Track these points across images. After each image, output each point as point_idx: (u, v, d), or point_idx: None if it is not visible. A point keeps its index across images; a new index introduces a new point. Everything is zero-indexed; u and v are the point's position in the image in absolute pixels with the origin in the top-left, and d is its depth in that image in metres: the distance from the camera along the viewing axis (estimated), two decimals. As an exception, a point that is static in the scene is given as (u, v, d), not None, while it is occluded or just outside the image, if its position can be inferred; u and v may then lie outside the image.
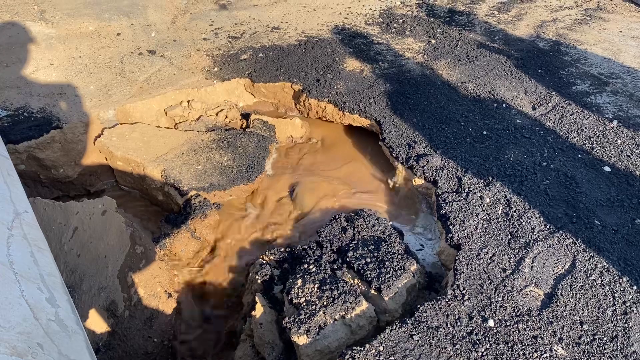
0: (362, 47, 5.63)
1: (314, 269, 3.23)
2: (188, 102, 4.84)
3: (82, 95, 4.65)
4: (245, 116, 4.93)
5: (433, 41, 5.79)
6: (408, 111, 4.54)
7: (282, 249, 3.59)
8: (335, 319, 2.85)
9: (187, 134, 4.54)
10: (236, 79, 5.08)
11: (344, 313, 2.88)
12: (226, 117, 4.88)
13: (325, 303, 2.93)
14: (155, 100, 4.70)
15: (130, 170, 4.25)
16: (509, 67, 5.21)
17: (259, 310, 3.09)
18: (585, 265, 3.04)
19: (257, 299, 3.17)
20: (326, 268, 3.24)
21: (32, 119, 4.27)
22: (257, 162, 4.28)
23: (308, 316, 2.85)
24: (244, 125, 4.83)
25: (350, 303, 2.91)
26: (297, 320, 2.85)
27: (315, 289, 3.04)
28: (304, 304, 2.96)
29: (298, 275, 3.20)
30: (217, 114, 4.87)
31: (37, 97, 4.57)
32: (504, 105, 4.60)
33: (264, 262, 3.47)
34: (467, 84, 4.92)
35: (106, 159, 4.38)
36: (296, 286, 3.10)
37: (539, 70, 5.13)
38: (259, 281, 3.34)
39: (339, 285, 3.05)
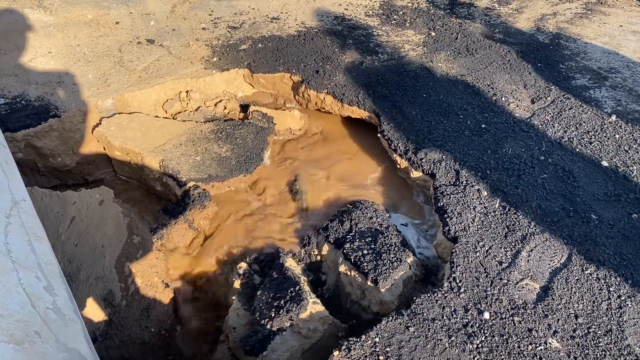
0: (362, 38, 5.62)
1: (276, 276, 3.22)
2: (187, 92, 4.83)
3: (80, 83, 4.63)
4: (244, 107, 4.92)
5: (433, 33, 5.77)
6: (407, 103, 4.54)
7: (265, 252, 3.58)
8: (283, 330, 2.84)
9: (186, 124, 4.53)
10: (235, 69, 5.07)
11: (290, 322, 2.86)
12: (225, 107, 4.87)
13: (272, 315, 2.91)
14: (153, 89, 4.68)
15: (129, 160, 4.24)
16: (509, 60, 5.20)
17: (232, 314, 3.08)
18: (581, 259, 3.05)
19: (232, 301, 3.17)
20: (285, 272, 3.22)
21: (30, 107, 4.26)
22: (255, 153, 4.27)
23: (255, 332, 2.85)
24: (242, 116, 4.83)
25: (294, 310, 2.88)
26: (242, 338, 2.85)
27: (270, 299, 3.03)
28: (258, 317, 2.97)
29: (262, 285, 3.20)
30: (215, 105, 4.86)
31: (35, 85, 4.55)
32: (503, 98, 4.59)
33: (246, 268, 3.44)
34: (466, 77, 4.91)
35: (104, 148, 4.37)
36: (256, 298, 3.10)
37: (539, 64, 5.13)
38: (236, 285, 3.32)
39: (288, 292, 3.02)
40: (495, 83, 4.82)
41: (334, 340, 2.95)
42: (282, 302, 2.96)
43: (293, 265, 3.34)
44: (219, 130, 4.45)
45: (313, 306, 2.93)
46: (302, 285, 3.08)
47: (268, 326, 2.86)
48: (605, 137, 4.07)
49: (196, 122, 4.59)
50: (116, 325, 3.16)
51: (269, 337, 2.82)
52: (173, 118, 4.72)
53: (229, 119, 4.71)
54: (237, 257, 3.74)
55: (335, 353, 2.55)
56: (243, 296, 3.26)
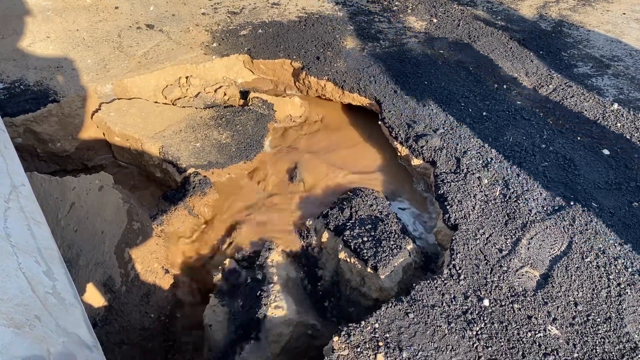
0: (363, 24, 5.57)
1: (249, 280, 3.25)
2: (186, 78, 4.80)
3: (79, 69, 4.60)
4: (244, 94, 4.89)
5: (435, 20, 5.72)
6: (408, 91, 4.51)
7: (254, 249, 3.58)
8: (250, 339, 2.88)
9: (186, 110, 4.51)
10: (235, 55, 5.03)
11: (255, 331, 2.90)
12: (225, 94, 4.84)
13: (240, 324, 2.97)
14: (153, 75, 4.65)
15: (128, 146, 4.23)
16: (511, 47, 5.17)
17: (208, 311, 3.10)
18: (581, 247, 3.05)
19: (210, 299, 3.20)
20: (257, 276, 3.25)
21: (29, 92, 4.23)
22: (255, 140, 4.25)
23: (228, 344, 2.92)
24: (242, 103, 4.80)
25: (255, 319, 2.92)
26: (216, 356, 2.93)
27: (240, 307, 3.07)
28: (233, 327, 3.02)
29: (240, 291, 3.24)
30: (215, 91, 4.83)
31: (33, 70, 4.52)
32: (504, 86, 4.57)
33: (231, 263, 3.44)
34: (468, 64, 4.87)
35: (104, 134, 4.35)
36: (235, 307, 3.15)
37: (541, 52, 5.09)
38: (216, 281, 3.34)
39: (254, 298, 3.04)
40: (497, 70, 4.78)
41: (305, 339, 2.99)
42: (242, 312, 3.02)
43: (277, 262, 3.34)
44: (218, 117, 4.43)
45: (274, 311, 2.94)
46: (270, 288, 3.08)
47: (237, 337, 2.93)
48: (606, 125, 4.05)
49: (196, 108, 4.57)
50: (116, 311, 3.16)
51: (240, 349, 2.87)
52: (172, 104, 4.70)
53: (229, 106, 4.69)
54: (230, 248, 3.73)
55: (335, 339, 2.55)
56: (222, 292, 3.29)
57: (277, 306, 2.95)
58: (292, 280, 3.33)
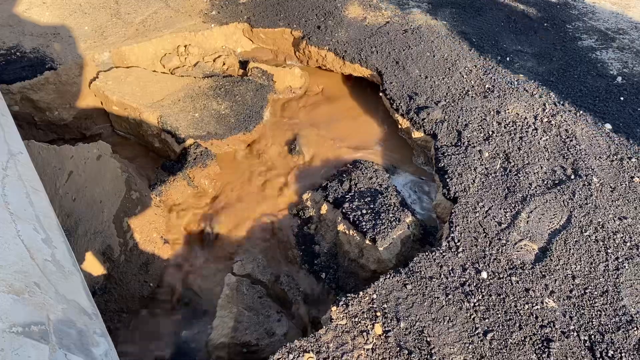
0: (365, -6, 5.46)
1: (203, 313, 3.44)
2: (185, 47, 4.72)
3: (76, 36, 4.53)
4: (243, 64, 4.82)
5: (438, -10, 5.61)
6: (410, 62, 4.45)
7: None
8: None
9: (184, 79, 4.45)
10: (234, 23, 4.94)
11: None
12: (224, 63, 4.77)
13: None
14: (151, 43, 4.58)
15: (126, 115, 4.18)
16: (515, 19, 5.08)
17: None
18: (580, 221, 3.05)
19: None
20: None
21: (25, 59, 4.17)
22: (255, 111, 4.21)
23: None
24: (241, 73, 4.73)
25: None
26: None
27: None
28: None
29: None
30: (214, 60, 4.76)
31: (29, 36, 4.44)
32: (507, 58, 4.50)
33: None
34: (471, 36, 4.80)
35: (102, 102, 4.30)
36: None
37: (545, 24, 5.01)
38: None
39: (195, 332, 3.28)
40: (501, 42, 4.71)
41: (242, 355, 3.03)
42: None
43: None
44: (217, 87, 4.38)
45: (214, 334, 2.97)
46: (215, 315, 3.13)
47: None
48: (609, 99, 4.01)
49: (194, 77, 4.51)
50: (115, 280, 3.18)
51: None
52: (171, 73, 4.64)
53: (228, 76, 4.63)
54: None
55: (333, 308, 2.57)
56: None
57: (218, 326, 3.01)
58: (246, 283, 3.29)
